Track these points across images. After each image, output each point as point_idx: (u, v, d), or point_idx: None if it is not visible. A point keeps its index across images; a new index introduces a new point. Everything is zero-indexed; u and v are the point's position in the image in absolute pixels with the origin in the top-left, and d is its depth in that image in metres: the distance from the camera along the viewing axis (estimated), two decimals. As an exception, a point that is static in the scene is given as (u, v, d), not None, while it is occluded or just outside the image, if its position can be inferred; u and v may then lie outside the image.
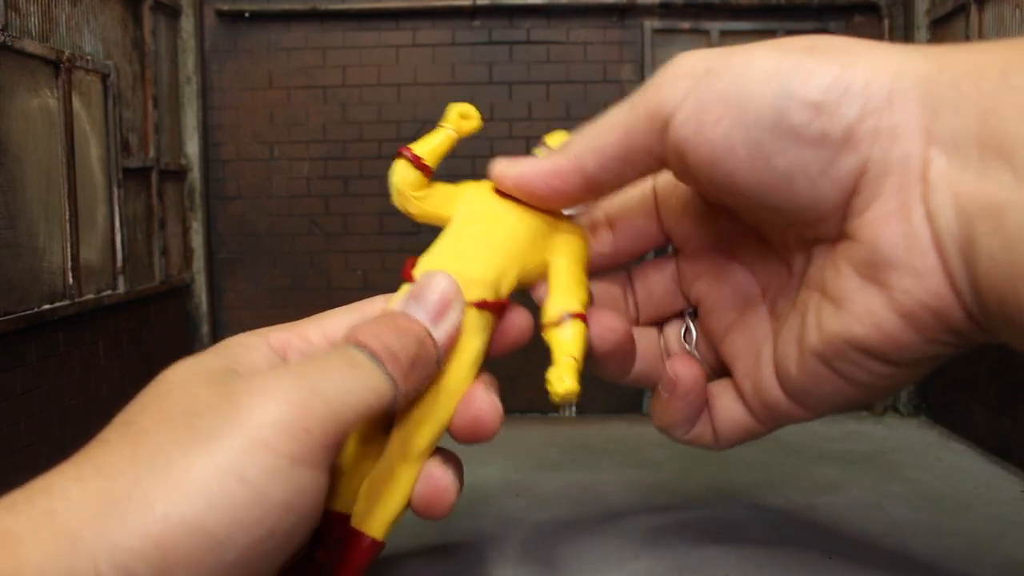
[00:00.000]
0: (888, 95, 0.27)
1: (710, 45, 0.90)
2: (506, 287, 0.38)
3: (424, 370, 0.34)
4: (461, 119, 0.43)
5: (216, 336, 0.94)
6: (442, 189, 0.42)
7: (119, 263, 0.77)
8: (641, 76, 0.90)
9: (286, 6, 0.92)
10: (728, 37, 0.90)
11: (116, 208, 0.77)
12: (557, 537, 0.54)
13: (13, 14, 0.62)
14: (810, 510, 0.58)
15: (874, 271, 0.30)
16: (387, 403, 0.31)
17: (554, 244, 0.39)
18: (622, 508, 0.59)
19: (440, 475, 0.38)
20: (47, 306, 0.64)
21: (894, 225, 0.28)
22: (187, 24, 0.91)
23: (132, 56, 0.82)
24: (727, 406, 0.40)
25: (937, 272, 0.28)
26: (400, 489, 0.36)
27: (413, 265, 0.38)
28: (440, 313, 0.35)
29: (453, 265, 0.37)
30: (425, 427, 0.36)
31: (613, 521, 0.57)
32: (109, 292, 0.75)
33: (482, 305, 0.37)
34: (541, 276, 0.40)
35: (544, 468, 0.69)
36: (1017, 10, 0.71)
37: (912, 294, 0.29)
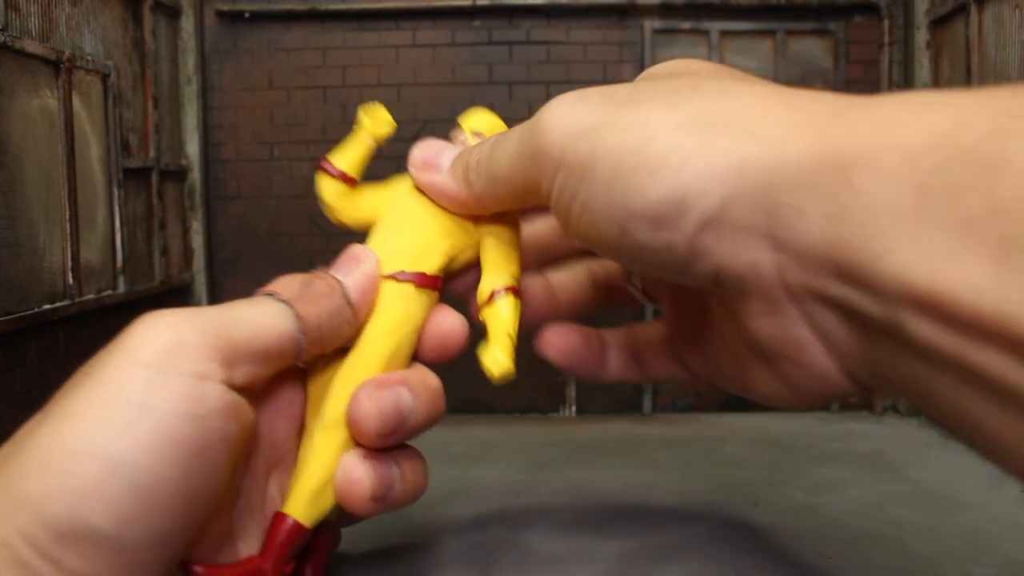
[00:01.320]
0: (724, 202, 0.25)
1: (710, 45, 0.90)
2: (433, 263, 0.38)
3: (329, 305, 0.35)
4: (375, 125, 0.43)
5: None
6: (369, 193, 0.43)
7: (119, 263, 0.77)
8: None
9: (286, 6, 0.92)
10: (728, 37, 0.90)
11: (116, 208, 0.77)
12: (557, 537, 0.54)
13: (13, 14, 0.62)
14: (810, 510, 0.58)
15: (758, 352, 0.29)
16: (289, 331, 0.32)
17: (484, 227, 0.40)
18: (622, 508, 0.59)
19: (352, 467, 0.34)
20: (47, 306, 0.64)
21: (767, 324, 0.27)
22: (187, 24, 0.91)
23: (132, 56, 0.82)
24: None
25: (822, 361, 0.26)
26: (317, 460, 0.34)
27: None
28: (348, 265, 0.37)
29: (377, 246, 0.39)
30: (341, 392, 0.35)
31: (613, 521, 0.57)
32: (109, 292, 0.75)
33: (400, 276, 0.37)
34: (474, 259, 0.40)
35: (544, 468, 0.69)
36: (1017, 10, 0.71)
37: (797, 378, 0.28)
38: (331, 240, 0.92)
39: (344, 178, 0.42)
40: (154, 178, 0.84)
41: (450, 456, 0.71)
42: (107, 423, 0.26)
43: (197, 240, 0.93)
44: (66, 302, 0.67)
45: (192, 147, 0.92)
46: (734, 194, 0.25)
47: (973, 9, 0.77)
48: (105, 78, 0.75)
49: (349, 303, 0.36)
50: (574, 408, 0.89)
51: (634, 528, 0.55)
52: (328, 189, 0.43)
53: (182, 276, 0.91)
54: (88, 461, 0.24)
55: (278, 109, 0.93)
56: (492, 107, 0.48)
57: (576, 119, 0.29)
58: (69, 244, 0.68)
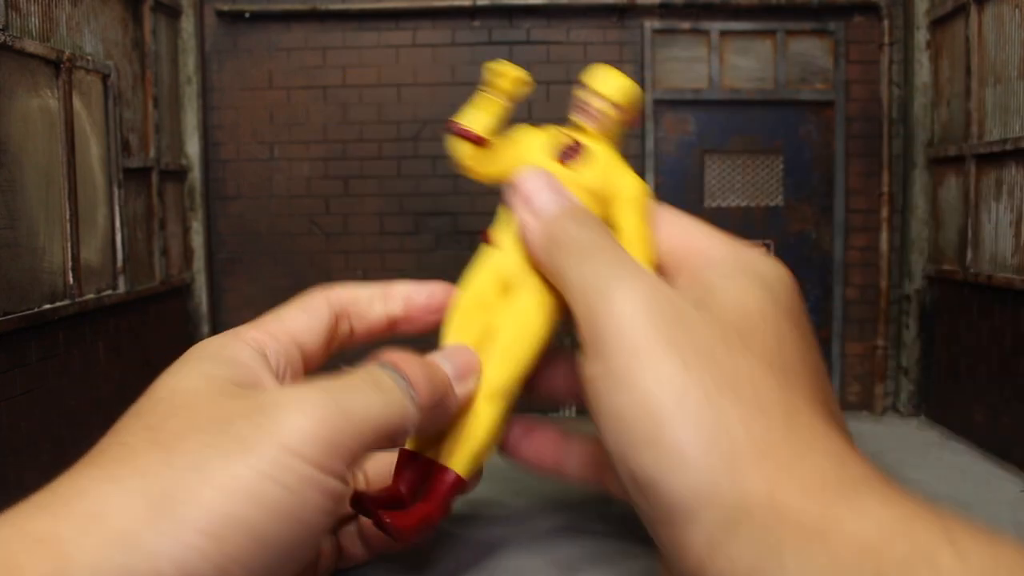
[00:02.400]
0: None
1: (710, 45, 0.90)
2: None
3: (443, 410, 0.36)
4: (508, 83, 0.43)
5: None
6: (503, 151, 0.44)
7: (119, 263, 0.77)
8: (641, 76, 0.90)
9: (286, 6, 0.92)
10: (728, 37, 0.90)
11: (116, 208, 0.77)
12: (558, 537, 0.54)
13: (13, 14, 0.62)
14: (810, 510, 0.58)
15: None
16: (406, 424, 0.33)
17: (615, 198, 0.40)
18: (623, 508, 0.59)
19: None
20: (47, 306, 0.64)
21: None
22: (187, 24, 0.91)
23: (132, 56, 0.82)
24: None
25: None
26: (481, 426, 0.38)
27: (487, 237, 0.41)
28: (463, 376, 0.38)
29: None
30: (504, 366, 0.39)
31: (614, 521, 0.57)
32: (109, 292, 0.75)
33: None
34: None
35: (544, 468, 0.69)
36: (1017, 10, 0.71)
37: None
38: (331, 240, 0.92)
39: (479, 141, 0.42)
40: (154, 178, 0.84)
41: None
42: (260, 504, 0.26)
43: (197, 240, 0.93)
44: (66, 302, 0.67)
45: (192, 147, 0.92)
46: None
47: (973, 9, 0.77)
48: (105, 78, 0.75)
49: (455, 409, 0.37)
50: (574, 408, 0.89)
51: (634, 527, 0.55)
52: (463, 152, 0.43)
53: (182, 276, 0.91)
54: (245, 535, 0.25)
55: (278, 109, 0.93)
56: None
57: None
58: (69, 244, 0.68)
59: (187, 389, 0.30)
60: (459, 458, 0.39)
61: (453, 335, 0.41)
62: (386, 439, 0.33)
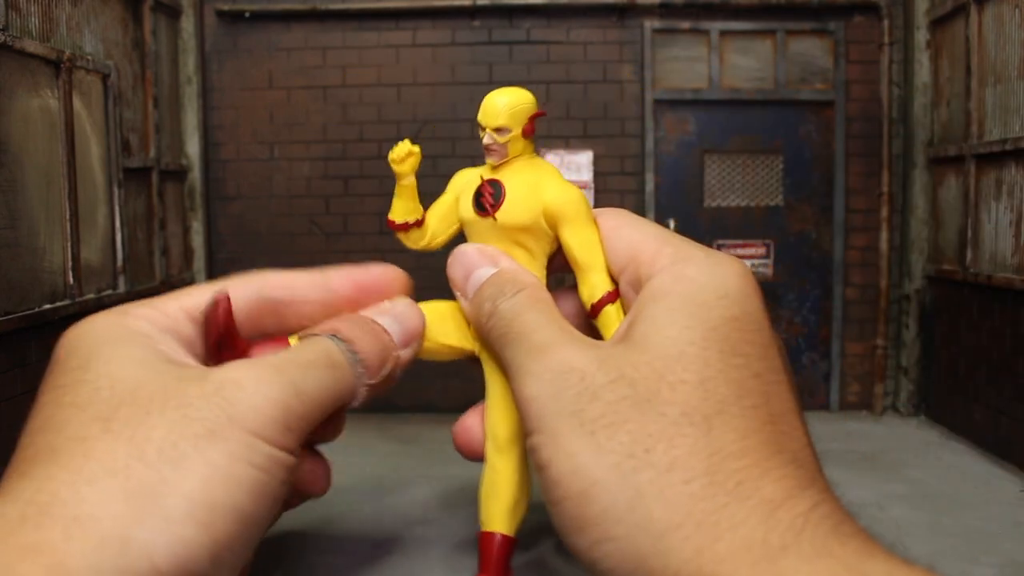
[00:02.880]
0: None
1: (710, 45, 0.90)
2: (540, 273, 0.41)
3: (387, 382, 0.36)
4: (400, 165, 0.45)
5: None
6: (438, 214, 0.45)
7: (119, 263, 0.77)
8: (641, 76, 0.90)
9: (286, 6, 0.92)
10: (728, 37, 0.90)
11: (116, 208, 0.77)
12: (558, 537, 0.54)
13: (13, 14, 0.62)
14: (810, 510, 0.58)
15: None
16: (353, 399, 0.34)
17: (553, 217, 0.40)
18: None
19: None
20: (48, 306, 0.64)
21: None
22: (187, 24, 0.91)
23: (132, 56, 0.82)
24: None
25: None
26: (503, 480, 0.38)
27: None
28: (410, 339, 0.38)
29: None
30: (507, 415, 0.39)
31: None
32: (109, 292, 0.75)
33: None
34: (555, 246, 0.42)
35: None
36: (1017, 10, 0.71)
37: None
38: (331, 240, 0.92)
39: (408, 226, 0.44)
40: (154, 178, 0.84)
41: (450, 455, 0.71)
42: (240, 487, 0.27)
43: (197, 240, 0.93)
44: (66, 302, 0.67)
45: (192, 147, 0.92)
46: None
47: (973, 9, 0.77)
48: (105, 78, 0.75)
49: (395, 343, 0.37)
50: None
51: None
52: (409, 240, 0.45)
53: (182, 276, 0.91)
54: (231, 520, 0.26)
55: (278, 109, 0.93)
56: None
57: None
58: (69, 244, 0.68)
59: (126, 374, 0.29)
60: (499, 519, 0.40)
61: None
62: (331, 412, 0.33)
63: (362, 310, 0.41)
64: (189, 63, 0.91)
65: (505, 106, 0.43)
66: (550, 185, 0.43)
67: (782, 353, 0.33)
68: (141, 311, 0.37)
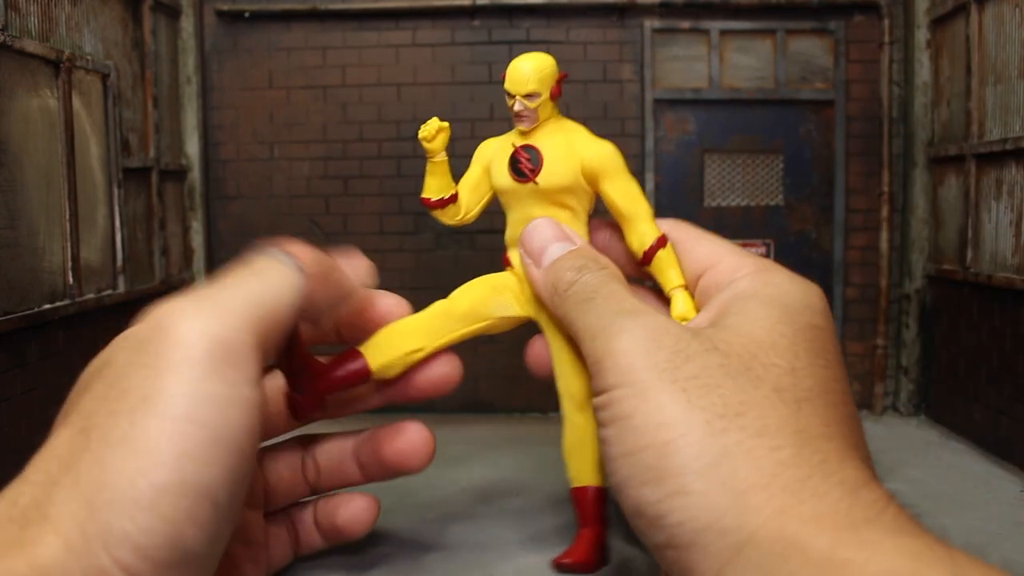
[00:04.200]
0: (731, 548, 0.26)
1: (710, 44, 0.90)
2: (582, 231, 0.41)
3: (334, 285, 0.36)
4: (431, 143, 0.45)
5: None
6: (468, 188, 0.45)
7: (119, 263, 0.77)
8: (641, 76, 0.90)
9: (286, 6, 0.92)
10: (728, 36, 0.90)
11: (116, 208, 0.77)
12: (558, 537, 0.54)
13: (13, 14, 0.62)
14: (810, 510, 0.58)
15: None
16: (297, 296, 0.33)
17: (593, 174, 0.40)
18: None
19: None
20: (47, 306, 0.64)
21: None
22: (187, 24, 0.91)
23: (132, 56, 0.82)
24: None
25: None
26: (589, 435, 0.40)
27: (507, 262, 0.42)
28: (355, 269, 0.39)
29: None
30: (578, 378, 0.40)
31: (613, 521, 0.57)
32: (109, 292, 0.75)
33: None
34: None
35: (544, 468, 0.69)
36: (1017, 9, 0.71)
37: None
38: (331, 240, 0.92)
39: (442, 204, 0.44)
40: (154, 178, 0.84)
41: (450, 456, 0.71)
42: (187, 454, 0.25)
43: (197, 240, 0.93)
44: (66, 302, 0.67)
45: (192, 147, 0.92)
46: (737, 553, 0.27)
47: (973, 8, 0.77)
48: (105, 78, 0.75)
49: (350, 292, 0.38)
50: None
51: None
52: (446, 216, 0.46)
53: (182, 276, 0.91)
54: (180, 495, 0.24)
55: (278, 109, 0.93)
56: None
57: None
58: (69, 244, 0.68)
59: (103, 363, 0.29)
60: (589, 472, 0.42)
61: (410, 328, 0.42)
62: (284, 318, 0.33)
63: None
64: (189, 63, 0.91)
65: (533, 71, 0.43)
66: (584, 142, 0.43)
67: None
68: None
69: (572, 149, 0.41)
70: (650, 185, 0.90)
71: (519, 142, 0.44)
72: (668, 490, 0.27)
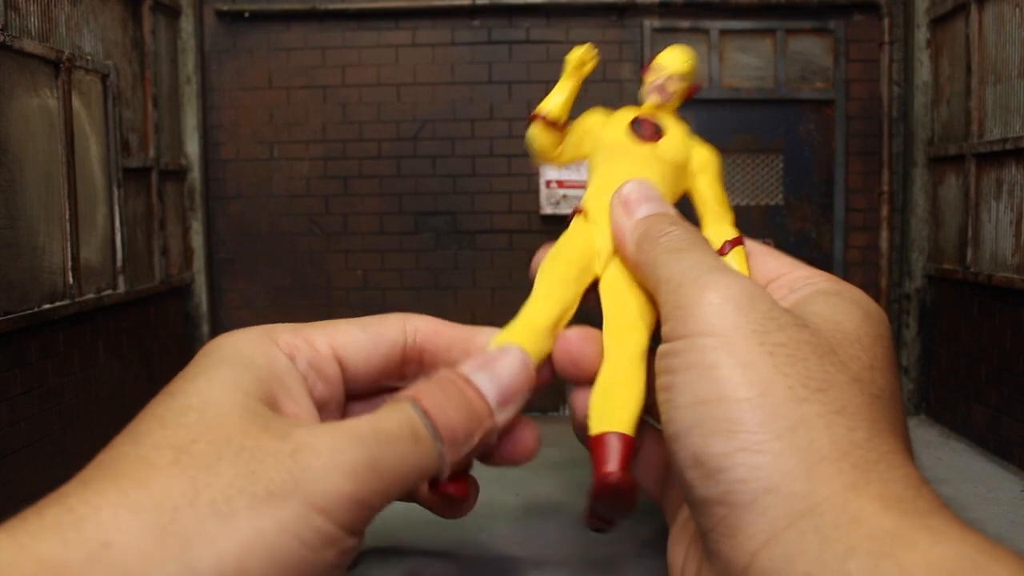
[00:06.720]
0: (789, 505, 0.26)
1: (710, 44, 0.90)
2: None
3: (475, 453, 0.34)
4: (578, 68, 0.45)
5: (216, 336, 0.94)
6: (576, 133, 0.45)
7: (119, 263, 0.77)
8: (641, 75, 0.90)
9: (286, 6, 0.92)
10: (728, 36, 0.90)
11: (116, 208, 0.77)
12: (557, 537, 0.54)
13: (13, 14, 0.62)
14: (810, 509, 0.58)
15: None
16: (433, 476, 0.32)
17: (693, 167, 0.41)
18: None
19: None
20: (47, 306, 0.64)
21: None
22: (187, 24, 0.91)
23: (132, 56, 0.82)
24: None
25: None
26: (635, 384, 0.38)
27: (579, 210, 0.41)
28: (508, 400, 0.35)
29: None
30: (642, 331, 0.39)
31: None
32: (109, 292, 0.75)
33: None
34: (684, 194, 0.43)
35: (544, 468, 0.69)
36: (1017, 9, 0.71)
37: None
38: (331, 240, 0.92)
39: (554, 123, 0.44)
40: (154, 178, 0.84)
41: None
42: (278, 556, 0.26)
43: (197, 240, 0.93)
44: (66, 302, 0.67)
45: (192, 147, 0.92)
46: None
47: (973, 8, 0.77)
48: (105, 78, 0.75)
49: (492, 440, 0.35)
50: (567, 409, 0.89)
51: (632, 527, 0.55)
52: (540, 140, 0.45)
53: (182, 276, 0.91)
54: None
55: (278, 109, 0.93)
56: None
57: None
58: (69, 244, 0.68)
59: (218, 405, 0.29)
60: (622, 419, 0.39)
61: (537, 304, 0.41)
62: (409, 490, 0.32)
63: (465, 359, 0.38)
64: (188, 63, 0.91)
65: (689, 58, 0.44)
66: (698, 141, 0.44)
67: None
68: (290, 340, 0.36)
69: (688, 139, 0.44)
70: (650, 185, 0.90)
71: (645, 115, 0.45)
72: (739, 445, 0.27)
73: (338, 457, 0.29)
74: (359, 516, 0.30)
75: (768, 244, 0.41)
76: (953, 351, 0.81)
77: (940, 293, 0.84)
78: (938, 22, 0.86)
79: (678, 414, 0.29)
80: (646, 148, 0.42)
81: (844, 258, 0.90)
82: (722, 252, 0.41)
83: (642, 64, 0.90)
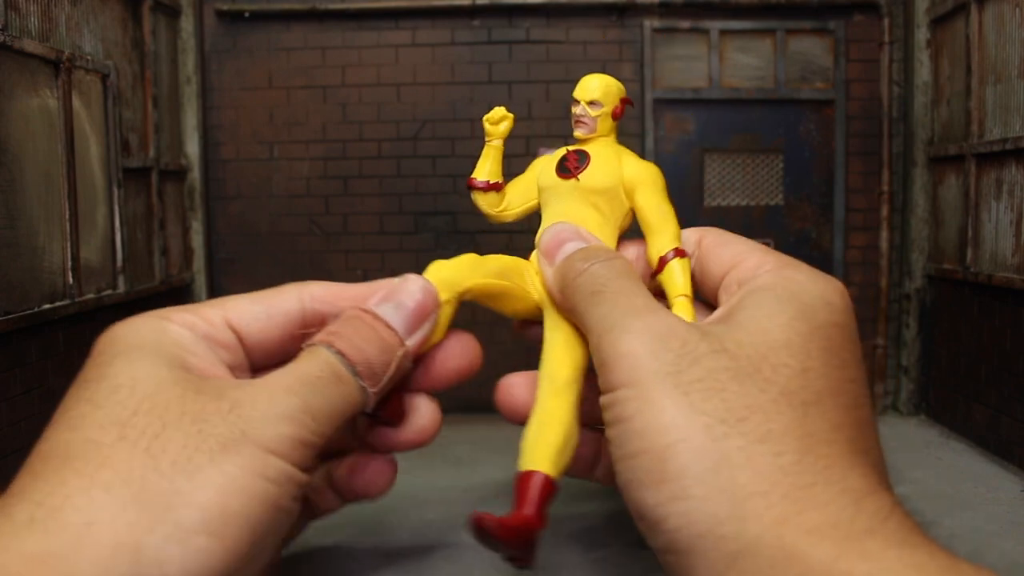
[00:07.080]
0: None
1: (710, 44, 0.90)
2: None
3: (395, 379, 0.36)
4: (495, 126, 0.46)
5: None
6: (517, 188, 0.46)
7: (119, 263, 0.77)
8: (641, 75, 0.90)
9: (286, 6, 0.92)
10: (728, 36, 0.90)
11: (116, 208, 0.77)
12: (557, 537, 0.54)
13: (13, 14, 0.62)
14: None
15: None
16: (360, 409, 0.34)
17: (632, 186, 0.41)
18: (622, 508, 0.59)
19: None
20: (47, 306, 0.64)
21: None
22: (187, 24, 0.91)
23: (132, 56, 0.82)
24: None
25: None
26: (556, 421, 0.38)
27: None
28: (416, 324, 0.37)
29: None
30: (564, 357, 0.39)
31: (613, 522, 0.57)
32: (109, 292, 0.75)
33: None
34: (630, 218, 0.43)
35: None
36: (1017, 9, 0.71)
37: None
38: (331, 240, 0.92)
39: (489, 187, 0.45)
40: (154, 178, 0.84)
41: (451, 456, 0.71)
42: (251, 494, 0.28)
43: (197, 240, 0.93)
44: (66, 302, 0.67)
45: (192, 147, 0.92)
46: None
47: (973, 8, 0.77)
48: (105, 78, 0.75)
49: (408, 366, 0.36)
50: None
51: (635, 529, 0.55)
52: (485, 202, 0.46)
53: (182, 276, 0.91)
54: (240, 526, 0.27)
55: (278, 109, 0.93)
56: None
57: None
58: (69, 244, 0.68)
59: (146, 379, 0.29)
60: (545, 458, 0.39)
61: (463, 262, 0.42)
62: (342, 426, 0.34)
63: (369, 297, 0.40)
64: (188, 63, 0.91)
65: (600, 82, 0.46)
66: (631, 160, 0.44)
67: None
68: (182, 316, 0.37)
69: (618, 163, 0.44)
70: (650, 185, 0.90)
71: (573, 148, 0.46)
72: (667, 494, 0.27)
73: (274, 408, 0.30)
74: (305, 454, 0.31)
75: (767, 244, 0.41)
76: (953, 351, 0.81)
77: (940, 293, 0.84)
78: (938, 22, 0.86)
79: (617, 468, 0.30)
80: (571, 183, 0.43)
81: (844, 258, 0.90)
82: (659, 269, 0.41)
83: (642, 64, 0.90)
